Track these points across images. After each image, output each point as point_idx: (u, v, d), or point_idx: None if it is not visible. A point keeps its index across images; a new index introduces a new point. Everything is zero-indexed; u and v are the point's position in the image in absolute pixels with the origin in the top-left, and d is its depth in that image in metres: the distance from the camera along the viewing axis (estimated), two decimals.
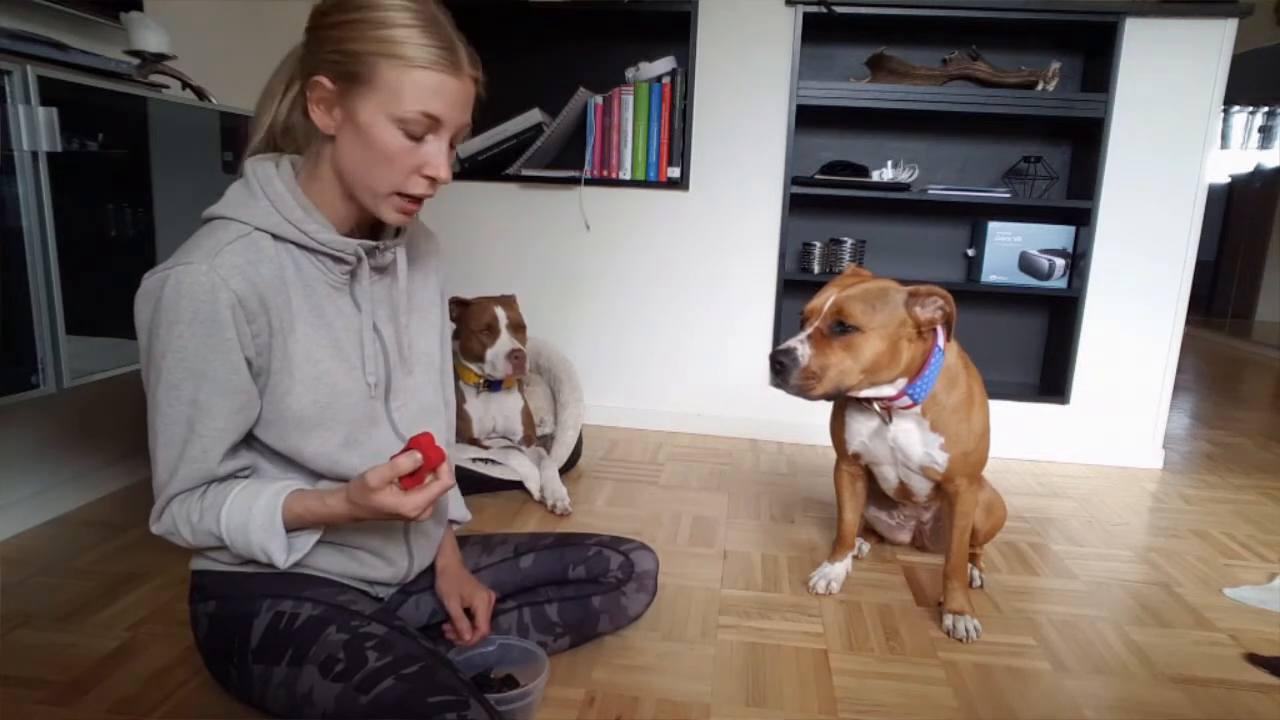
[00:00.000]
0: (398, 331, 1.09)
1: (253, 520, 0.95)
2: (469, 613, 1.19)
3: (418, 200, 0.97)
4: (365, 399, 1.03)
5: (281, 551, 0.97)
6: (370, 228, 1.07)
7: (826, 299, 1.35)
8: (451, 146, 0.98)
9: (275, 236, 0.95)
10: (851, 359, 1.33)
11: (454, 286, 1.20)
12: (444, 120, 0.92)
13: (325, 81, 0.92)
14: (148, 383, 0.94)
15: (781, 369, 1.33)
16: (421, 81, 0.89)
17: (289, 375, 0.97)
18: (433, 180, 0.96)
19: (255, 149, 1.01)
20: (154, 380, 0.92)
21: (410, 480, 0.93)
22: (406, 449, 0.93)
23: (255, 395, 0.96)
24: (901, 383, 1.39)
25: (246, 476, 1.00)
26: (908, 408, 1.42)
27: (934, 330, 1.39)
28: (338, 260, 1.00)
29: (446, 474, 0.96)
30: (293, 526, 0.97)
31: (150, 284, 0.90)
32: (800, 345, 1.34)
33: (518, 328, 2.03)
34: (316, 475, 1.03)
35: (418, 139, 0.92)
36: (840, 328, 1.33)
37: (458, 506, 1.29)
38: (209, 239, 0.92)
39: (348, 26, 0.90)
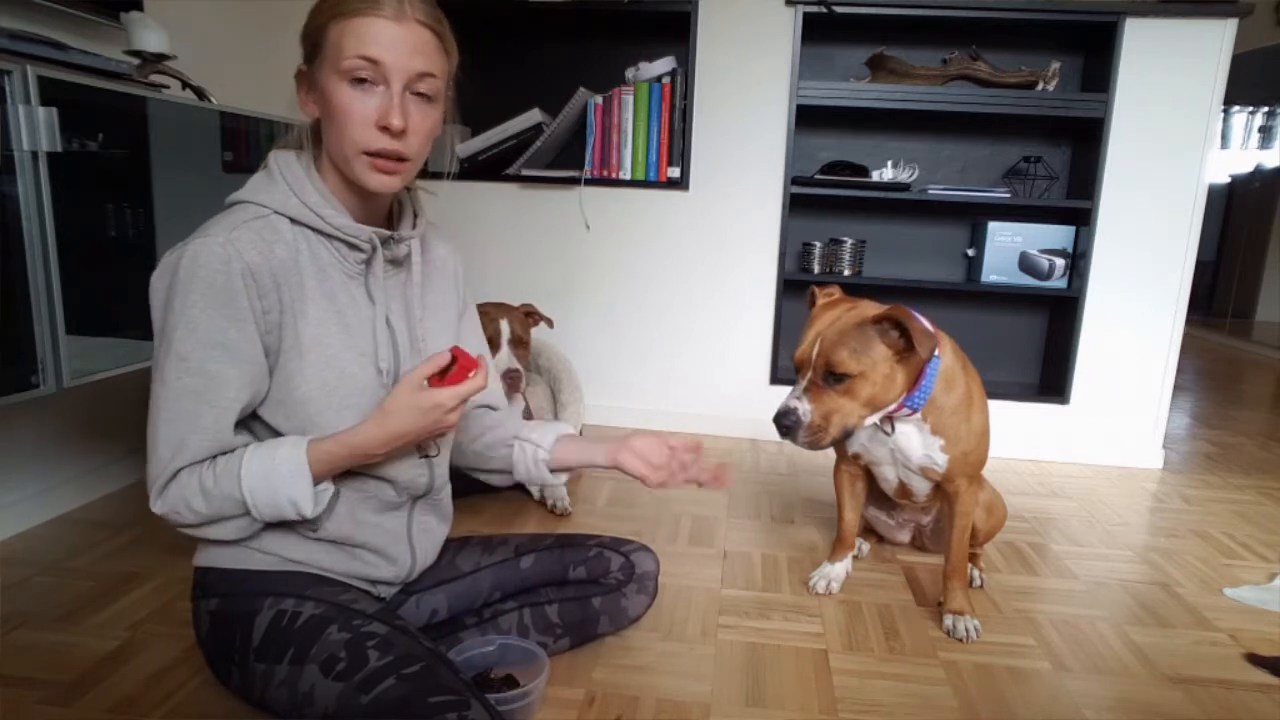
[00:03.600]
0: (410, 325, 1.10)
1: (277, 470, 0.94)
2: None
3: (389, 158, 0.96)
4: (372, 386, 1.04)
5: (309, 499, 0.96)
6: (386, 221, 1.09)
7: (812, 347, 1.34)
8: (431, 100, 0.98)
9: (293, 220, 0.98)
10: (851, 402, 1.33)
11: (464, 288, 1.22)
12: (385, 63, 0.93)
13: (302, 68, 0.99)
14: (156, 360, 0.94)
15: (788, 430, 1.33)
16: (357, 29, 0.92)
17: (299, 356, 0.98)
18: (389, 131, 0.94)
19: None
20: (162, 355, 0.93)
21: (442, 382, 0.97)
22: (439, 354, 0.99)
23: (266, 369, 0.97)
24: (901, 396, 1.39)
25: None
26: (909, 415, 1.42)
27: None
28: (353, 247, 1.02)
29: (481, 377, 0.99)
30: (316, 472, 0.97)
31: (168, 260, 0.93)
32: (799, 403, 1.33)
33: (519, 343, 2.00)
34: None
35: (366, 89, 0.94)
36: (834, 377, 1.32)
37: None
38: (228, 217, 0.95)
39: (313, 11, 0.96)
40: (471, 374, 0.98)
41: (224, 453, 0.97)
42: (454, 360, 0.98)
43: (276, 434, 1.01)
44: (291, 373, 0.98)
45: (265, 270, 0.94)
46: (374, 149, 0.95)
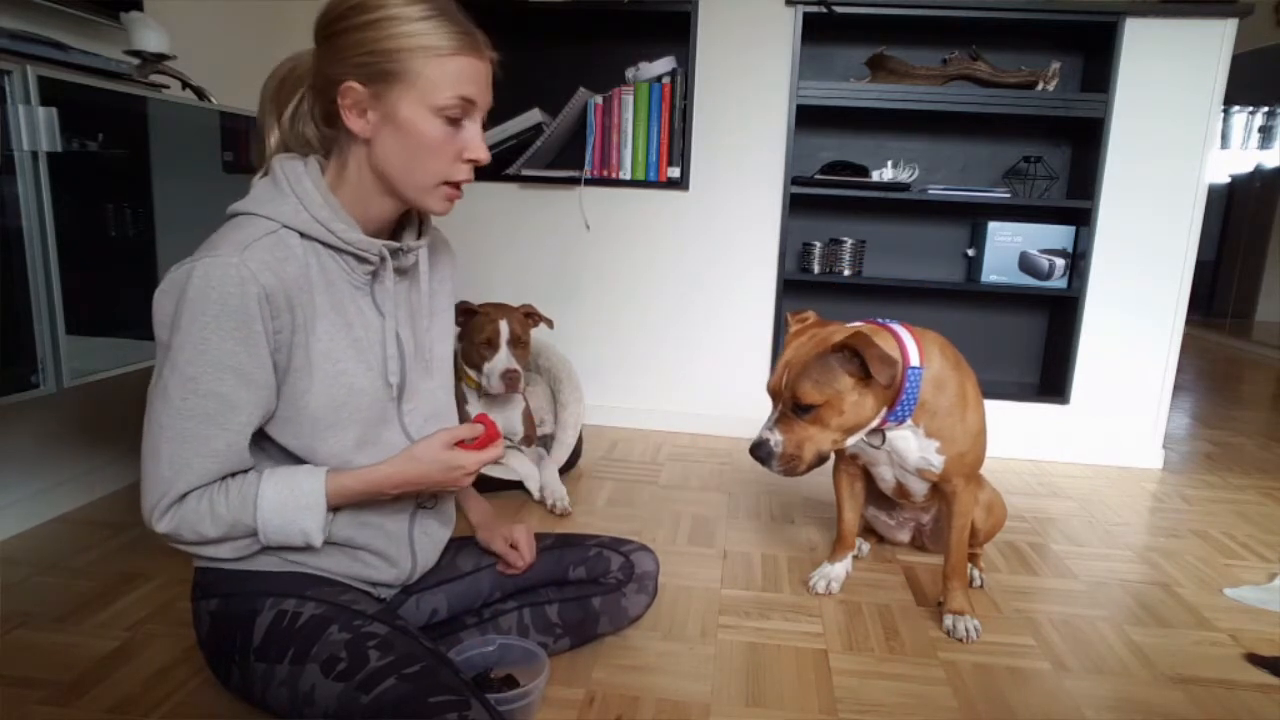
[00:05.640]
0: (417, 334, 1.10)
1: (295, 501, 0.96)
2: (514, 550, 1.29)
3: (459, 187, 1.01)
4: (379, 399, 1.04)
5: (319, 532, 0.98)
6: (390, 230, 1.08)
7: (781, 378, 1.36)
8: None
9: (303, 235, 0.96)
10: (822, 430, 1.35)
11: (455, 288, 1.22)
12: (478, 102, 0.97)
13: (356, 85, 0.93)
14: (159, 376, 0.92)
15: (762, 460, 1.36)
16: (454, 69, 0.93)
17: (308, 374, 0.97)
18: (473, 163, 0.99)
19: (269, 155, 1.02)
20: (167, 372, 0.91)
21: (468, 447, 1.04)
22: (471, 423, 1.06)
23: (275, 390, 0.96)
24: (882, 413, 1.39)
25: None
26: (898, 425, 1.42)
27: (902, 354, 1.37)
28: (361, 260, 1.01)
29: (500, 447, 1.07)
30: (331, 505, 0.99)
31: (176, 276, 0.90)
32: (771, 435, 1.36)
33: (519, 343, 2.00)
34: None
35: (457, 125, 0.96)
36: (802, 408, 1.34)
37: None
38: (237, 233, 0.92)
39: (371, 27, 0.91)
40: (494, 444, 1.06)
41: (232, 474, 0.96)
42: (484, 427, 1.06)
43: (282, 450, 1.01)
44: (301, 390, 0.97)
45: (279, 292, 0.92)
46: (456, 179, 0.99)
